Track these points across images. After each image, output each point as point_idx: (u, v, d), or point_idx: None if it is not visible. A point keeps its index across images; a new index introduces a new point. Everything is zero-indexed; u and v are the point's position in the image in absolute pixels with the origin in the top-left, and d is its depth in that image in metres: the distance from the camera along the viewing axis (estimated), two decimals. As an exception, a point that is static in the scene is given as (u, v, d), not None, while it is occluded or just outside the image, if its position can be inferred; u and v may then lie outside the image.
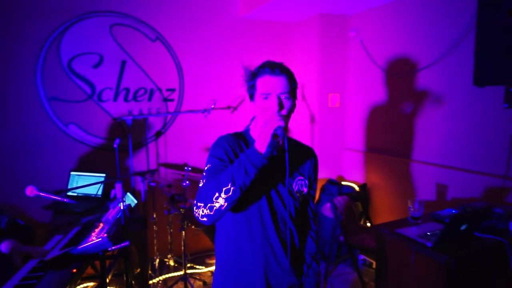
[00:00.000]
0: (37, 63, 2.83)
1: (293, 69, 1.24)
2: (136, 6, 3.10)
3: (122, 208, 1.63)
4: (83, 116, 3.02)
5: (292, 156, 1.14)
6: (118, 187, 1.60)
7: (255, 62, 1.16)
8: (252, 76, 1.16)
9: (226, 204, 1.01)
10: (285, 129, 1.03)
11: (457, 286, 1.69)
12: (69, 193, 2.86)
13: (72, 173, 2.86)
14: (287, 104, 1.12)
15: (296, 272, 1.27)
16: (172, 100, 3.34)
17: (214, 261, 3.31)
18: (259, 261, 1.18)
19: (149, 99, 3.25)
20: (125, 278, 2.18)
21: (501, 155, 2.21)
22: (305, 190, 1.27)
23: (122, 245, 1.46)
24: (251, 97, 1.18)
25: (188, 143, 3.43)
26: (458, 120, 2.51)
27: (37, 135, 2.89)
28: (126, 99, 3.16)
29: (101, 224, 1.64)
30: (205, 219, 1.05)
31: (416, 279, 1.79)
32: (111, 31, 3.05)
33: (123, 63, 3.12)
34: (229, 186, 0.99)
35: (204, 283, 2.98)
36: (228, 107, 3.54)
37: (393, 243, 1.93)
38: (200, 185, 1.11)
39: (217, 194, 1.00)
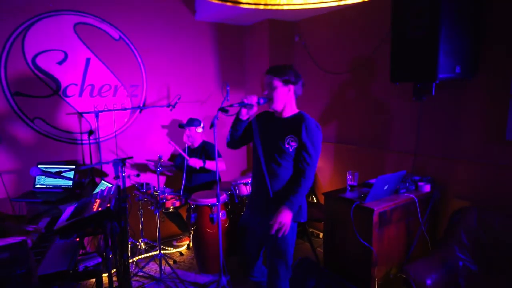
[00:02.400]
0: (0, 58, 2.86)
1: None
2: (100, 6, 3.25)
3: (117, 184, 1.90)
4: (49, 111, 3.11)
5: (286, 122, 1.98)
6: (116, 165, 1.87)
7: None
8: None
9: (230, 137, 2.10)
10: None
11: (381, 230, 2.27)
12: (38, 185, 2.96)
13: (40, 166, 2.95)
14: (266, 92, 1.98)
15: (277, 200, 1.93)
16: (136, 95, 3.55)
17: (181, 243, 3.61)
18: (260, 187, 2.01)
19: (114, 94, 3.43)
20: (110, 256, 2.39)
21: (412, 137, 2.87)
22: (294, 144, 1.91)
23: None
24: None
25: (151, 135, 3.67)
26: (378, 109, 3.16)
27: (2, 129, 2.92)
28: (91, 95, 3.31)
29: (98, 200, 1.89)
30: (227, 143, 2.14)
31: (353, 230, 2.34)
32: (75, 29, 3.17)
33: (88, 60, 3.26)
34: (231, 129, 2.06)
35: (174, 261, 3.28)
36: (189, 102, 3.85)
37: (337, 204, 2.47)
38: None
39: (229, 133, 2.08)
